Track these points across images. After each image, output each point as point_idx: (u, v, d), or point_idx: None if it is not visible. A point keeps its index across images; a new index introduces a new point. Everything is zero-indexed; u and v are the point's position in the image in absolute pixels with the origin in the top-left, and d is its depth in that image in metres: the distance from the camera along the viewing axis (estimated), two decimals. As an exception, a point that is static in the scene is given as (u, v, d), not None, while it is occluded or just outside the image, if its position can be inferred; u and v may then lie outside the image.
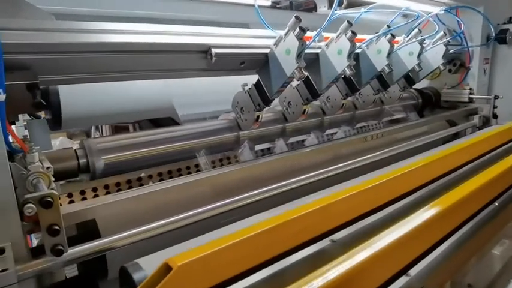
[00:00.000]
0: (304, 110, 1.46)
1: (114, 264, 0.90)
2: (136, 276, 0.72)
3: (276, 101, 1.42)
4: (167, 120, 1.48)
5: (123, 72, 0.97)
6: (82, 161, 1.06)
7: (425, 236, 0.77)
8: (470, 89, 2.37)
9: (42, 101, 0.79)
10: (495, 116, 2.32)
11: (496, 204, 1.00)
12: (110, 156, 1.09)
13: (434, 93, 2.46)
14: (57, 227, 0.69)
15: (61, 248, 0.70)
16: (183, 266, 0.53)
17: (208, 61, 1.07)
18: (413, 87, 2.37)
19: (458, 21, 1.96)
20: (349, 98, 1.75)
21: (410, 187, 0.99)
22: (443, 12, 2.05)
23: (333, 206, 0.77)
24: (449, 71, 2.40)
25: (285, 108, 1.50)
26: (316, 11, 3.47)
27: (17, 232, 0.74)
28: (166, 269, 0.55)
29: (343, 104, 1.62)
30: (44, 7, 1.19)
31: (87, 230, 0.93)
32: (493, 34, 2.26)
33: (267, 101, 1.25)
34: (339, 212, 0.79)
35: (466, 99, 2.35)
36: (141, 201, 0.97)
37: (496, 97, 2.27)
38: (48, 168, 0.81)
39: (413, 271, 0.69)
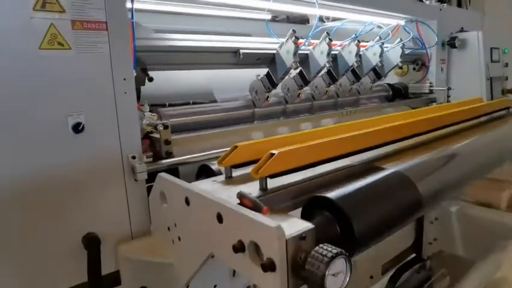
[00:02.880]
0: (299, 93, 2.09)
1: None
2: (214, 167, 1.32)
3: (279, 89, 2.06)
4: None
5: (189, 64, 1.60)
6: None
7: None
8: (430, 83, 3.01)
9: (152, 77, 1.41)
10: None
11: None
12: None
13: (403, 87, 3.09)
14: (169, 140, 1.31)
15: (171, 152, 1.31)
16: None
17: (238, 58, 1.70)
18: (386, 82, 3.04)
19: (409, 31, 2.60)
20: (332, 88, 2.39)
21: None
22: (403, 24, 2.72)
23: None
24: (414, 69, 3.06)
25: (285, 93, 2.12)
26: (308, 23, 4.14)
27: (139, 148, 1.34)
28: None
29: (326, 91, 2.26)
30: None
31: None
32: (437, 41, 2.92)
33: (274, 85, 1.88)
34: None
35: (427, 91, 2.99)
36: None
37: (449, 88, 2.92)
38: (153, 114, 1.43)
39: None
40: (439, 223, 2.98)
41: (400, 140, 1.43)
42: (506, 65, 3.25)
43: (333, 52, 2.01)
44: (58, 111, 1.14)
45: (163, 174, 1.18)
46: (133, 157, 1.31)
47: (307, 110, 2.35)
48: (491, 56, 3.03)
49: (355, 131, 1.28)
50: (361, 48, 2.18)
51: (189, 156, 1.41)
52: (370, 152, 1.29)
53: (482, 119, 2.14)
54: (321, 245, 0.71)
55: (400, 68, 3.14)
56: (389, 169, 1.10)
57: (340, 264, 0.68)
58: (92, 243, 1.20)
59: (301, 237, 0.74)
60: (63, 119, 1.16)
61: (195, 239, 1.06)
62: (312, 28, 1.91)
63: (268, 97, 1.95)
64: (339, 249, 0.68)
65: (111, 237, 1.28)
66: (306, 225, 0.77)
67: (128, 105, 1.29)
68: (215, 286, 1.29)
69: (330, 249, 0.69)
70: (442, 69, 3.07)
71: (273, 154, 0.98)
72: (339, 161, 1.18)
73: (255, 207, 0.83)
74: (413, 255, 3.04)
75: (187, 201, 1.04)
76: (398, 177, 1.07)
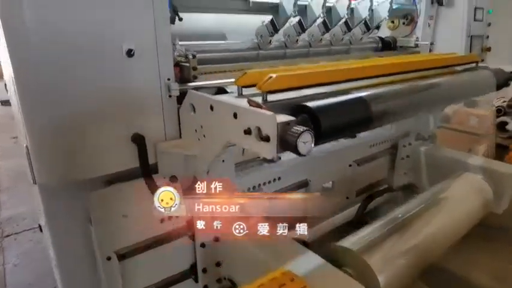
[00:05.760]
0: (297, 39, 2.49)
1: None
2: (228, 90, 1.78)
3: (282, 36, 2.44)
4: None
5: (208, 8, 1.99)
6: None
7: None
8: (417, 38, 3.37)
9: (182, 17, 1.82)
10: (432, 57, 3.35)
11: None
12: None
13: (393, 40, 3.45)
14: (196, 67, 1.74)
15: (196, 76, 1.75)
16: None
17: (248, 5, 2.09)
18: (377, 35, 3.40)
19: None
20: (327, 37, 2.76)
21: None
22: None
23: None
24: (403, 23, 3.40)
25: (286, 38, 2.51)
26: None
27: (172, 73, 1.77)
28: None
29: (321, 38, 2.64)
30: None
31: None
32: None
33: (276, 30, 2.28)
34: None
35: (413, 45, 3.36)
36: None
37: (431, 43, 3.29)
38: (182, 46, 1.85)
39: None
40: (409, 160, 3.51)
41: (371, 78, 1.88)
42: (489, 24, 3.58)
43: (328, 4, 2.37)
44: (116, 39, 1.56)
45: (192, 91, 1.64)
46: (168, 79, 1.75)
47: (304, 54, 2.75)
48: (474, 15, 3.37)
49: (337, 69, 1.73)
50: (353, 2, 2.53)
51: (209, 82, 1.85)
52: (345, 83, 1.74)
53: (448, 69, 2.56)
54: (296, 126, 1.18)
55: (392, 22, 3.49)
56: (354, 93, 1.56)
57: (307, 136, 1.16)
58: (138, 138, 1.68)
59: (286, 123, 1.21)
60: (120, 45, 1.58)
61: (216, 134, 1.55)
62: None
63: (270, 41, 2.35)
64: (307, 128, 1.16)
65: (151, 138, 1.76)
66: (290, 117, 1.24)
67: (164, 37, 1.70)
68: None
69: (301, 128, 1.16)
70: (429, 25, 3.41)
71: (271, 76, 1.43)
72: (320, 87, 1.63)
73: (259, 106, 1.30)
74: (386, 186, 3.61)
75: (211, 108, 1.51)
76: (358, 98, 1.53)
